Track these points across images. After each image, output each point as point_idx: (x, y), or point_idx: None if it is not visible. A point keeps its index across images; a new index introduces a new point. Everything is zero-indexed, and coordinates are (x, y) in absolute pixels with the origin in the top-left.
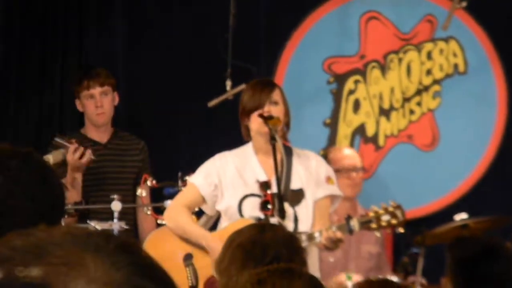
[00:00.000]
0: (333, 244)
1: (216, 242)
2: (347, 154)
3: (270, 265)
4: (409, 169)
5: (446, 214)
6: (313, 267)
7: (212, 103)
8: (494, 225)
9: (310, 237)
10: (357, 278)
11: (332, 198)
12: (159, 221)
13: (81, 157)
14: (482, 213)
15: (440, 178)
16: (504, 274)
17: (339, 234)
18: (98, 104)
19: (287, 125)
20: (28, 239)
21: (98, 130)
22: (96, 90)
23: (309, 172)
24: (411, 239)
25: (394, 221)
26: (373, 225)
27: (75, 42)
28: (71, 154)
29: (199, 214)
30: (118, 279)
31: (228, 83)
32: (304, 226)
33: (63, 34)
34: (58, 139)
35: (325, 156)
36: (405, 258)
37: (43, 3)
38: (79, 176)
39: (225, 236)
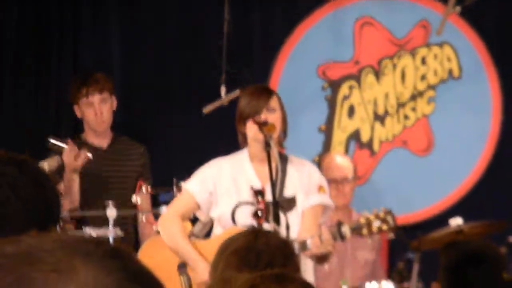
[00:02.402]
0: (323, 249)
1: (203, 265)
2: (339, 164)
3: (264, 271)
4: (404, 174)
5: (441, 219)
6: (309, 275)
7: (207, 109)
8: (489, 230)
9: (303, 245)
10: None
11: (323, 207)
12: (154, 228)
13: (76, 158)
14: (478, 218)
15: (435, 183)
16: (491, 279)
17: (329, 237)
18: (98, 112)
19: (284, 132)
20: (19, 245)
21: (98, 136)
22: (95, 98)
23: (301, 180)
24: (406, 245)
25: (385, 227)
26: (364, 231)
27: (70, 49)
28: (67, 155)
29: (194, 221)
30: (108, 285)
31: (223, 89)
32: (295, 233)
33: (58, 41)
34: (52, 141)
35: (319, 163)
36: (401, 264)
37: (38, 9)
38: (76, 178)
39: (217, 244)
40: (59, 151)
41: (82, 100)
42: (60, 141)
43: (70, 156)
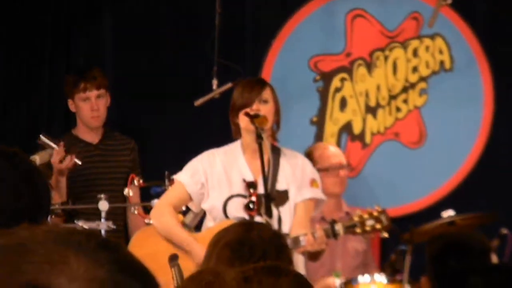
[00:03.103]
0: (316, 247)
1: (198, 247)
2: (333, 152)
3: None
4: (396, 166)
5: (433, 211)
6: (299, 268)
7: (199, 102)
8: (481, 221)
9: (296, 241)
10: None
11: (316, 201)
12: (146, 221)
13: (62, 161)
14: (470, 210)
15: (427, 175)
16: (474, 269)
17: (322, 235)
18: (94, 107)
19: (278, 124)
20: (11, 238)
21: (90, 131)
22: (93, 93)
23: (294, 173)
24: (398, 237)
25: (378, 226)
26: (358, 230)
27: (63, 43)
28: (54, 156)
29: (185, 212)
30: (100, 276)
31: (215, 82)
32: (287, 227)
33: (51, 35)
34: (43, 138)
35: (310, 154)
36: (393, 256)
37: (30, 7)
38: (62, 179)
39: (209, 237)
40: (47, 149)
41: (79, 95)
42: (52, 140)
43: (56, 158)
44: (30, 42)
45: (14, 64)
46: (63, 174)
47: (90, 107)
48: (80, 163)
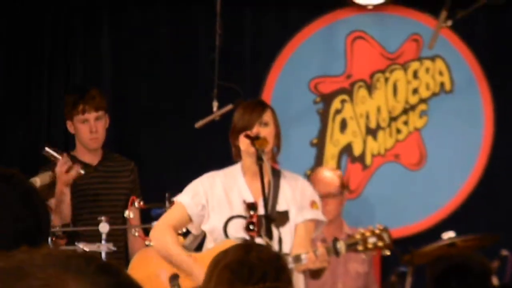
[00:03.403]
0: (318, 265)
1: (198, 268)
2: (324, 180)
3: (257, 285)
4: (397, 188)
5: (434, 232)
6: None
7: (199, 124)
8: (482, 243)
9: (297, 259)
10: None
11: (316, 222)
12: (147, 243)
13: (68, 170)
14: (470, 231)
15: (427, 197)
16: None
17: (323, 252)
18: (93, 129)
19: (278, 147)
20: (9, 260)
21: (89, 153)
22: (91, 115)
23: (294, 195)
24: (399, 258)
25: (380, 244)
26: (360, 247)
27: (62, 62)
28: (59, 167)
29: (185, 234)
30: None
31: (215, 104)
32: (287, 247)
33: (49, 56)
34: (48, 149)
35: (310, 178)
36: (393, 277)
37: (29, 21)
38: (67, 191)
39: (209, 258)
40: (52, 161)
41: (78, 117)
42: (56, 151)
43: (63, 168)
44: (28, 61)
45: (12, 83)
46: (68, 186)
47: (89, 129)
48: (83, 172)
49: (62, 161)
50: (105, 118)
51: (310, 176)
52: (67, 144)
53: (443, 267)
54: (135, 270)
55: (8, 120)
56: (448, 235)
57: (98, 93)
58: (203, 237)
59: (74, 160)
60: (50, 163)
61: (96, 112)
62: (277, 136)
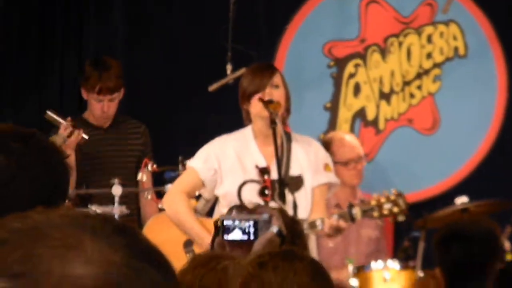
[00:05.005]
0: (336, 233)
1: (208, 240)
2: (350, 144)
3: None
4: (410, 153)
5: (447, 197)
6: (312, 252)
7: (213, 87)
8: (495, 208)
9: (312, 225)
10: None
11: (329, 185)
12: (159, 206)
13: (70, 135)
14: (483, 197)
15: (440, 162)
16: (475, 258)
17: (342, 224)
18: (105, 109)
19: (288, 110)
20: (26, 221)
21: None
22: (106, 97)
23: (308, 159)
24: (412, 223)
25: (396, 209)
26: (375, 213)
27: (76, 31)
28: (62, 131)
29: (197, 197)
30: (115, 261)
31: (229, 67)
32: (303, 213)
33: (63, 27)
34: (50, 114)
35: (327, 145)
36: (406, 242)
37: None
38: (71, 155)
39: None
40: (55, 125)
41: (93, 95)
42: (59, 116)
43: (65, 133)
44: (40, 35)
45: (25, 57)
46: (72, 149)
47: (101, 108)
48: (87, 137)
49: (63, 126)
50: (119, 95)
51: (326, 142)
52: (79, 110)
53: (445, 232)
54: (149, 234)
55: (21, 94)
56: (461, 200)
57: (116, 71)
58: (214, 201)
59: (85, 122)
60: (54, 128)
61: (111, 94)
62: (287, 98)
